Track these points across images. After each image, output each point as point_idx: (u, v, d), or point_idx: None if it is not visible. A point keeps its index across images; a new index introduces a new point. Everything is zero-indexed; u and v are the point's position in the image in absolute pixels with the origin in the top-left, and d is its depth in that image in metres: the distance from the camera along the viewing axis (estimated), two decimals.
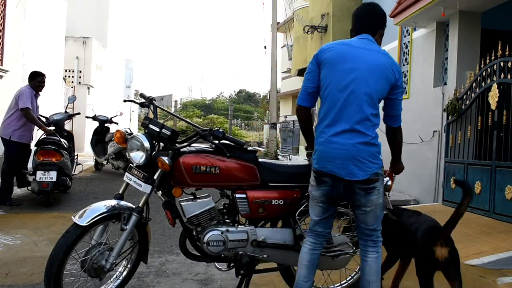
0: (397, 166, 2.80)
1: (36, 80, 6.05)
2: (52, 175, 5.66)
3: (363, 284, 2.51)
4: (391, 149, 2.72)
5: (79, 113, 8.44)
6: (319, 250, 2.58)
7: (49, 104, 9.31)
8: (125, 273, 2.83)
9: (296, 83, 19.65)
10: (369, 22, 2.57)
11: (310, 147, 2.65)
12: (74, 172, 6.67)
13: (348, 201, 2.56)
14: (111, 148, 8.71)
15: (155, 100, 2.91)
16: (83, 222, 2.46)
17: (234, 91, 52.37)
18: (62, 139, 6.18)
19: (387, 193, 2.81)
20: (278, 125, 19.90)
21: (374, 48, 2.49)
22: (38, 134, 6.44)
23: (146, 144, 2.60)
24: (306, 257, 2.54)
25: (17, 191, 6.22)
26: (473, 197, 5.79)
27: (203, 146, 2.83)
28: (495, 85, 5.51)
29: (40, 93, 6.17)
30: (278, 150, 18.30)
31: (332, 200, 2.49)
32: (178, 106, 41.85)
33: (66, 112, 7.31)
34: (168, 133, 2.65)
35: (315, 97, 2.54)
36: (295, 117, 20.20)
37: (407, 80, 7.85)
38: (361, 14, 2.60)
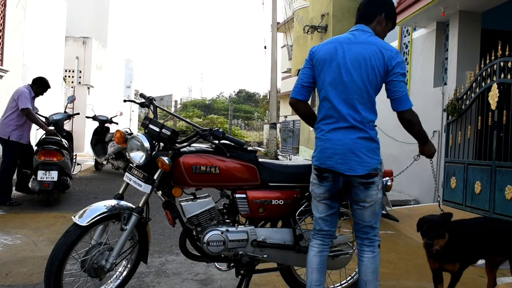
0: (425, 149, 2.64)
1: (42, 89, 6.08)
2: (54, 175, 5.67)
3: (360, 284, 2.51)
4: (412, 135, 2.59)
5: (78, 113, 8.44)
6: (327, 251, 2.57)
7: (49, 104, 9.30)
8: (125, 273, 2.83)
9: None
10: (365, 9, 2.58)
11: None
12: (73, 172, 6.68)
13: (348, 197, 2.54)
14: (111, 148, 8.71)
15: (155, 100, 2.91)
16: (83, 222, 2.46)
17: (234, 91, 52.45)
18: (63, 139, 6.20)
19: (386, 192, 2.82)
20: (278, 125, 19.91)
21: (360, 40, 2.43)
22: (38, 134, 6.44)
23: (146, 144, 2.60)
24: (316, 260, 2.51)
25: (15, 192, 6.21)
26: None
27: (203, 146, 2.83)
28: (495, 85, 5.51)
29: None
30: (278, 150, 18.30)
31: (335, 196, 2.49)
32: (178, 106, 41.84)
33: (65, 112, 7.31)
34: (168, 133, 2.65)
35: (310, 91, 2.55)
36: (295, 117, 20.33)
37: (407, 80, 7.84)
38: (361, 4, 2.62)
